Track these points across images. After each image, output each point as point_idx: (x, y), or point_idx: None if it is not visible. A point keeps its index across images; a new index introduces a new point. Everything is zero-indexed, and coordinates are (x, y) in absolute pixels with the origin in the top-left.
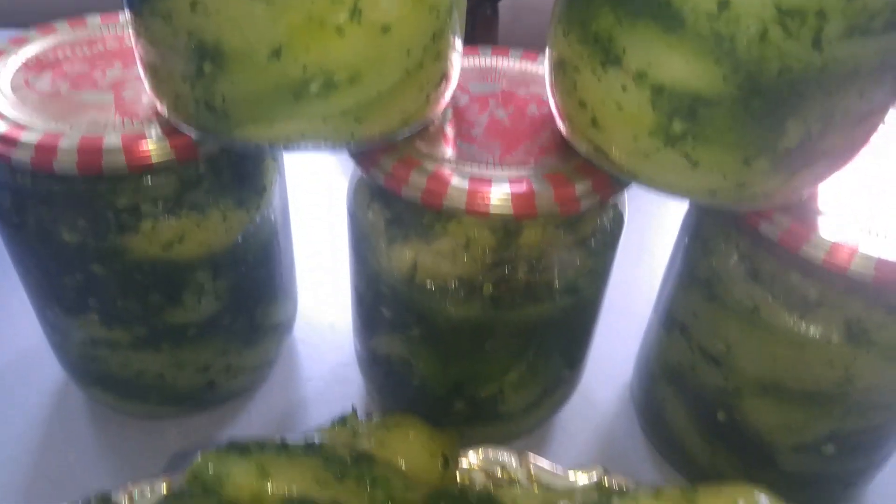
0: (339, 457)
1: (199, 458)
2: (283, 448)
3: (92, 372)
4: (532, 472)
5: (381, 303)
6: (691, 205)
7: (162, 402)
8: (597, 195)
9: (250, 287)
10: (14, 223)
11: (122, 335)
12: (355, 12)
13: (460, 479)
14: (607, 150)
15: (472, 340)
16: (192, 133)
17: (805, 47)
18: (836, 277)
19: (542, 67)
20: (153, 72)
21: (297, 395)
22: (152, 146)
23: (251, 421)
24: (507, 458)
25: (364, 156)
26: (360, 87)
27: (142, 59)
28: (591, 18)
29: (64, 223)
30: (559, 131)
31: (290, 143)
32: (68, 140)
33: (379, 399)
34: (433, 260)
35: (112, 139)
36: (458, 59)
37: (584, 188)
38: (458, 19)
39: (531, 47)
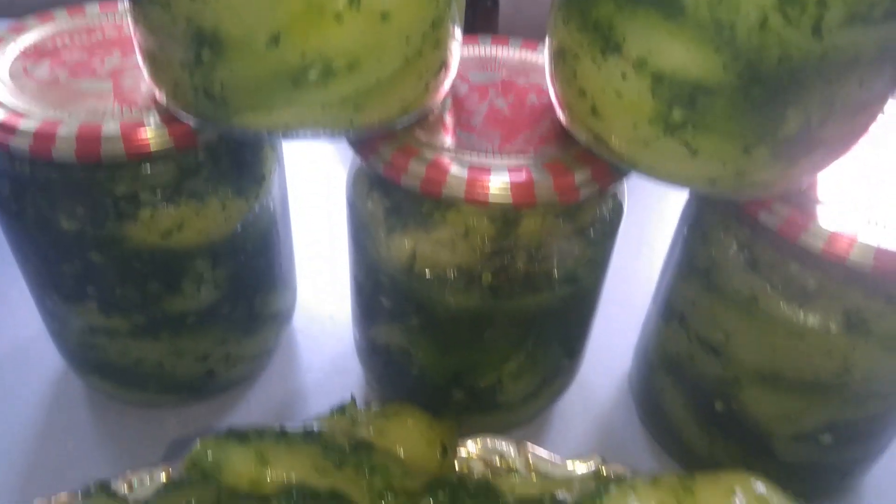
0: (337, 445)
1: (197, 445)
2: (282, 436)
3: (91, 360)
4: (530, 461)
5: (380, 292)
6: (691, 194)
7: (161, 391)
8: (596, 184)
9: (249, 276)
10: (13, 211)
11: (121, 323)
12: None
13: (459, 467)
14: (607, 139)
15: (471, 330)
16: (190, 121)
17: (805, 35)
18: (834, 267)
19: (542, 57)
20: (152, 59)
21: (295, 385)
22: (151, 134)
23: (250, 410)
24: (506, 447)
25: (363, 144)
26: (359, 74)
27: (140, 47)
28: (592, 6)
29: (62, 211)
30: (559, 120)
31: (289, 131)
32: (67, 128)
33: (378, 389)
34: (432, 249)
35: (110, 127)
36: (458, 48)
37: (583, 177)
38: (458, 7)
39: (532, 39)
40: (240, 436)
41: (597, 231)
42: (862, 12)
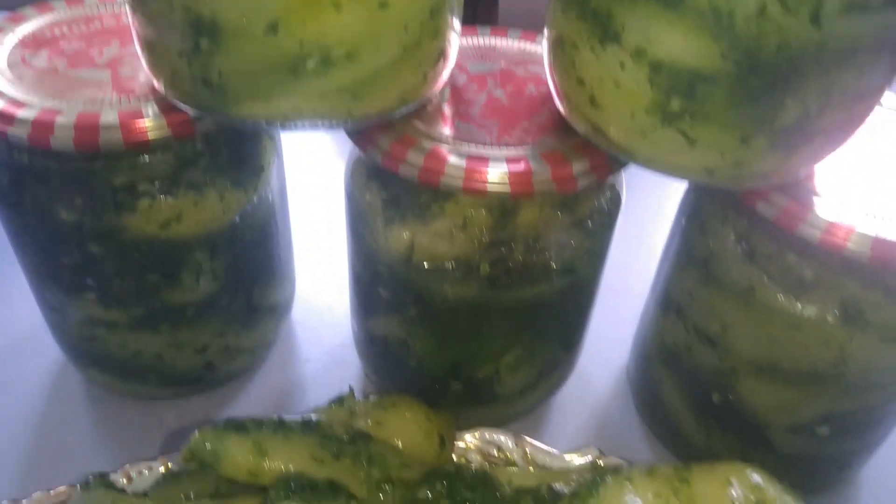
0: (336, 435)
1: (196, 436)
2: (280, 426)
3: (90, 353)
4: (528, 453)
5: (378, 283)
6: (689, 186)
7: (160, 384)
8: (594, 175)
9: (248, 267)
10: (11, 202)
11: (120, 315)
12: None
13: (456, 459)
14: (605, 129)
15: (469, 321)
16: (188, 110)
17: (803, 23)
18: (832, 257)
19: (541, 47)
20: (150, 48)
21: (294, 377)
22: (149, 123)
23: (249, 402)
24: (504, 439)
25: (361, 134)
26: (358, 63)
27: (139, 36)
28: None
29: (61, 202)
30: (557, 111)
31: (288, 121)
32: (65, 117)
33: (376, 380)
34: (430, 240)
35: (109, 116)
36: (457, 38)
37: (581, 167)
38: None
39: (532, 31)
40: (238, 426)
41: (595, 222)
42: (860, 0)
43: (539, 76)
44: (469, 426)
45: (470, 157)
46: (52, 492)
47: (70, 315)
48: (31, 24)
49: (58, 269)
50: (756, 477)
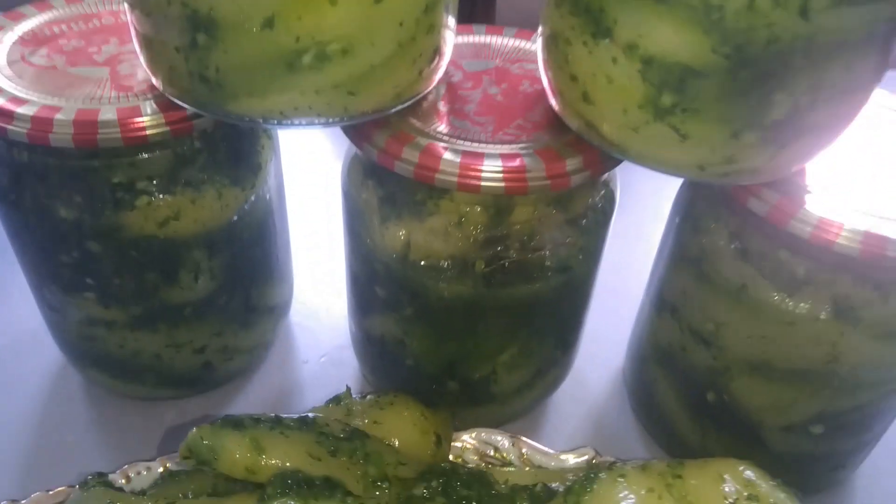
0: (332, 433)
1: (194, 433)
2: (277, 423)
3: (89, 353)
4: (524, 453)
5: (375, 282)
6: (683, 184)
7: (159, 384)
8: (588, 171)
9: (246, 267)
10: (11, 200)
11: (119, 314)
12: None
13: (453, 459)
14: (598, 125)
15: (465, 319)
16: (186, 107)
17: (792, 16)
18: (823, 253)
19: (536, 45)
20: (148, 45)
21: (292, 378)
22: (147, 120)
23: (247, 403)
24: (500, 439)
25: (357, 131)
26: (353, 59)
27: (136, 32)
28: None
29: (60, 199)
30: (552, 108)
31: (284, 117)
32: (64, 114)
33: (373, 380)
34: (426, 237)
35: (107, 113)
36: (452, 36)
37: (575, 164)
38: None
39: (528, 30)
40: (235, 423)
41: (589, 220)
42: None
43: (534, 74)
44: (466, 426)
45: (465, 154)
46: (51, 492)
47: (69, 314)
48: (31, 22)
49: (57, 268)
50: (749, 473)
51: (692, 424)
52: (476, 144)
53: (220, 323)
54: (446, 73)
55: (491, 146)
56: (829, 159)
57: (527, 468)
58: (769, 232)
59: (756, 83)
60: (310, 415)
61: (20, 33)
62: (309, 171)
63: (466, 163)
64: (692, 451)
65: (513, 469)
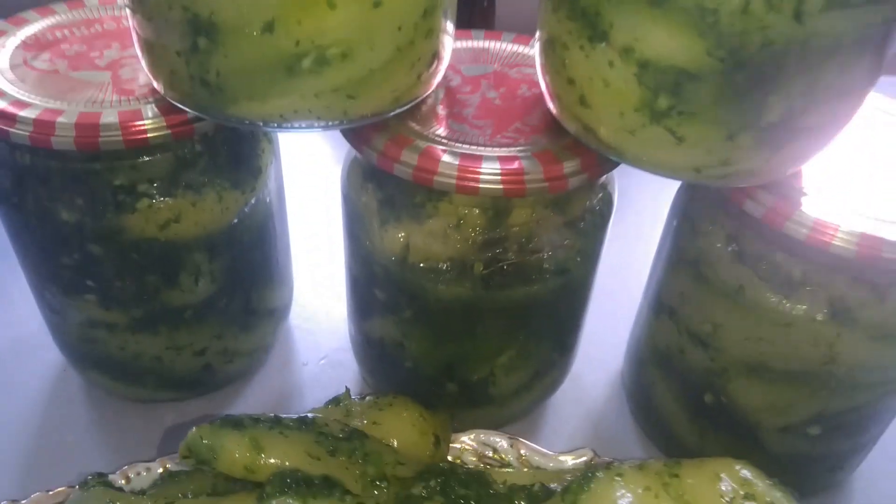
0: (331, 433)
1: (193, 432)
2: (277, 423)
3: (90, 355)
4: (522, 454)
5: (374, 284)
6: (680, 187)
7: (159, 386)
8: (585, 174)
9: (246, 270)
10: (13, 203)
11: (120, 317)
12: None
13: (452, 459)
14: (595, 129)
15: (464, 321)
16: (187, 110)
17: (786, 20)
18: (819, 255)
19: (534, 50)
20: (149, 49)
21: (292, 380)
22: (148, 123)
23: (247, 405)
24: (499, 441)
25: (357, 134)
26: (352, 63)
27: (138, 37)
28: None
29: (62, 202)
30: (549, 111)
31: (284, 121)
32: (66, 117)
33: (372, 383)
34: (425, 240)
35: (109, 116)
36: (450, 40)
37: (572, 167)
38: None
39: (527, 36)
40: (235, 423)
41: (587, 223)
42: None
43: (532, 78)
44: (465, 428)
45: (463, 157)
46: (51, 492)
47: (70, 317)
48: (33, 27)
49: (58, 270)
50: (745, 472)
51: (690, 426)
52: (474, 147)
53: (221, 325)
54: (445, 77)
55: (489, 149)
56: (825, 162)
57: (525, 469)
58: (766, 234)
59: (751, 86)
60: (309, 415)
61: (23, 38)
62: (309, 175)
63: (465, 165)
64: (690, 453)
65: (511, 470)
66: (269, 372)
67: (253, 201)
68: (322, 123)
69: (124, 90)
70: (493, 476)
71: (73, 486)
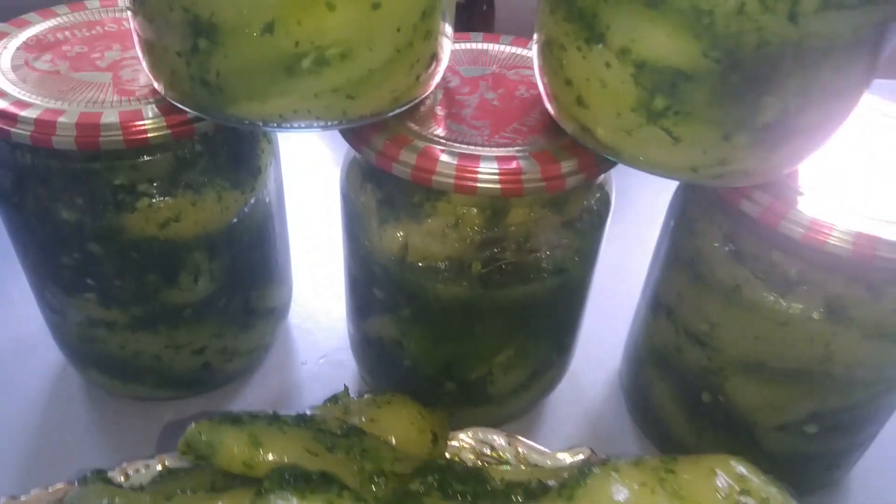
0: (330, 429)
1: (192, 428)
2: (275, 419)
3: (90, 353)
4: (520, 452)
5: (373, 284)
6: (677, 188)
7: (158, 385)
8: (582, 174)
9: (245, 269)
10: (14, 202)
11: (119, 315)
12: None
13: (450, 457)
14: (592, 129)
15: (462, 320)
16: (187, 111)
17: (781, 21)
18: (815, 254)
19: (532, 52)
20: (150, 50)
21: (291, 379)
22: (149, 123)
23: (246, 404)
24: (497, 439)
25: (356, 134)
26: (352, 63)
27: (139, 38)
28: None
29: (62, 202)
30: (547, 112)
31: (284, 121)
32: (67, 117)
33: (371, 382)
34: (423, 240)
35: (110, 116)
36: (449, 42)
37: (570, 166)
38: (448, 1)
39: (525, 38)
40: (234, 419)
41: (585, 222)
42: None
43: (530, 80)
44: (463, 427)
45: (461, 156)
46: (50, 489)
47: (70, 316)
48: (35, 29)
49: (58, 269)
50: (741, 468)
51: (688, 425)
52: (473, 147)
53: (220, 324)
54: (444, 78)
55: (487, 149)
56: (821, 162)
57: (523, 466)
58: (762, 233)
59: (746, 86)
60: (307, 412)
61: (24, 39)
62: (308, 176)
63: (463, 165)
64: (688, 452)
65: (509, 468)
66: (268, 371)
67: (252, 201)
68: (321, 123)
69: (125, 91)
70: (490, 473)
71: (73, 483)
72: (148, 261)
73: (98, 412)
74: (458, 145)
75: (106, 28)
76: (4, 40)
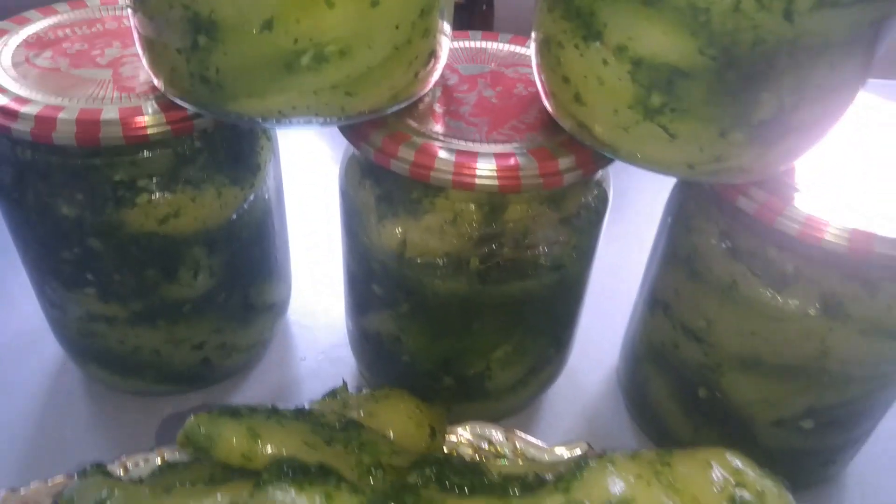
0: (328, 423)
1: (191, 420)
2: (274, 413)
3: (89, 348)
4: (518, 447)
5: (371, 280)
6: (675, 186)
7: (158, 380)
8: (580, 170)
9: (244, 265)
10: (14, 198)
11: (119, 310)
12: None
13: (447, 451)
14: (590, 126)
15: (460, 316)
16: (187, 107)
17: (777, 19)
18: (811, 250)
19: (530, 50)
20: (150, 47)
21: (290, 375)
22: (148, 119)
23: (245, 399)
24: (495, 433)
25: (355, 131)
26: (350, 60)
27: (139, 35)
28: None
29: (62, 197)
30: (545, 110)
31: (283, 117)
32: (67, 113)
33: (370, 377)
34: (422, 235)
35: (110, 112)
36: (447, 40)
37: (567, 163)
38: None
39: (524, 37)
40: (232, 412)
41: (582, 219)
42: None
43: (528, 78)
44: (461, 422)
45: (460, 153)
46: (49, 482)
47: (70, 311)
48: (36, 26)
49: (58, 264)
50: (737, 461)
51: (685, 421)
52: (471, 144)
53: (219, 320)
54: (442, 76)
55: (485, 146)
56: (817, 159)
57: (520, 461)
58: (758, 230)
59: (742, 83)
60: (306, 405)
61: (25, 36)
62: (308, 174)
63: (461, 161)
64: (684, 447)
65: (506, 462)
66: (267, 366)
67: (252, 198)
68: (320, 120)
69: (125, 87)
70: (488, 466)
71: (72, 476)
72: (147, 256)
73: (97, 407)
74: (457, 142)
75: (106, 26)
76: (5, 37)
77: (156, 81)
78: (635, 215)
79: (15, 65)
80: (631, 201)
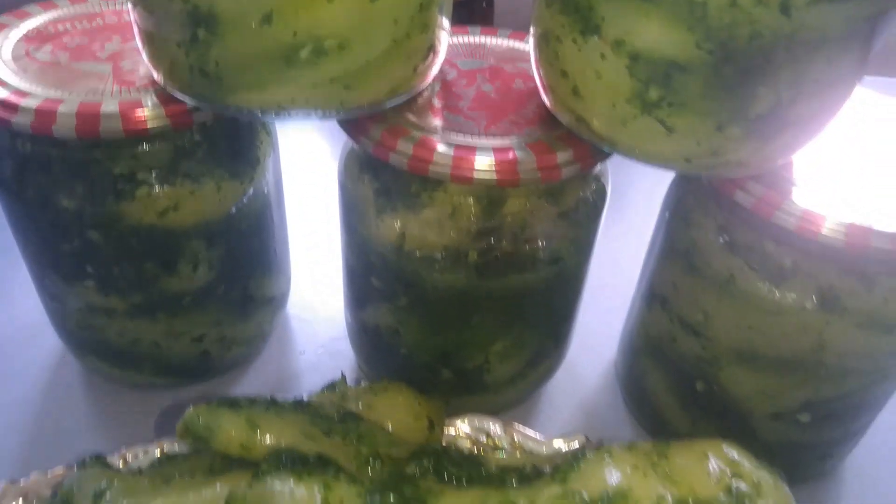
0: (326, 414)
1: (191, 411)
2: (273, 404)
3: (89, 341)
4: (516, 439)
5: (370, 273)
6: (673, 181)
7: (157, 372)
8: (578, 164)
9: (244, 258)
10: (14, 191)
11: (119, 303)
12: None
13: (446, 444)
14: (588, 120)
15: (459, 309)
16: (187, 100)
17: (774, 13)
18: (808, 244)
19: (529, 45)
20: (150, 40)
21: (289, 368)
22: (148, 112)
23: (244, 392)
24: (493, 426)
25: (353, 125)
26: (349, 54)
27: (139, 28)
28: None
29: (62, 190)
30: (543, 104)
31: (282, 110)
32: (67, 106)
33: (368, 370)
34: (420, 229)
35: (109, 105)
36: (446, 35)
37: (565, 157)
38: None
39: (523, 32)
40: (231, 403)
41: (580, 213)
42: None
43: (527, 72)
44: (459, 415)
45: (458, 147)
46: (49, 473)
47: (69, 303)
48: (36, 20)
49: (58, 257)
50: (733, 453)
51: (682, 414)
52: (469, 138)
53: (219, 313)
54: (441, 71)
55: (484, 139)
56: (815, 153)
57: (518, 453)
58: (756, 224)
59: (739, 78)
60: (304, 397)
61: (25, 30)
62: (307, 169)
63: (460, 155)
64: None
65: (504, 454)
66: (267, 360)
67: (251, 191)
68: (319, 113)
69: (125, 81)
70: (486, 458)
71: (71, 467)
72: (147, 249)
73: (97, 399)
74: (455, 136)
75: (106, 20)
76: (5, 31)
77: (155, 75)
78: (633, 209)
79: (15, 58)
80: (629, 195)
